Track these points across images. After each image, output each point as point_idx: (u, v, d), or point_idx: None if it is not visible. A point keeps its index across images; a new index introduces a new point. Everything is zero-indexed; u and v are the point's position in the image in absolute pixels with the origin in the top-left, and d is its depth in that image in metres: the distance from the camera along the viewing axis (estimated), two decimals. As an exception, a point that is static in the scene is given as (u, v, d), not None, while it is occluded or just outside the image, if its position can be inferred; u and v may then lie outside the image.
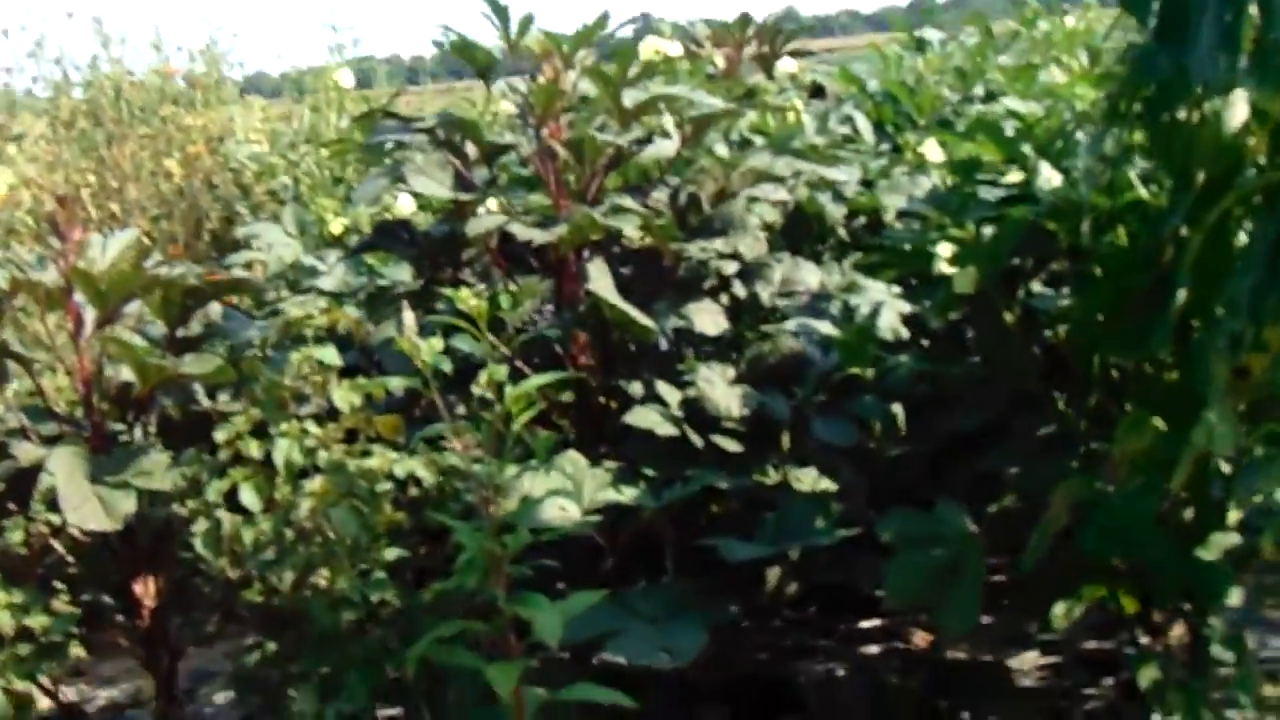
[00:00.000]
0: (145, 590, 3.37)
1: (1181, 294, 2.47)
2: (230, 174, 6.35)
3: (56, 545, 3.29)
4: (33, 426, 3.35)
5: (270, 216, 6.10)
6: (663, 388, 3.28)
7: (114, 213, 6.16)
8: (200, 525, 2.80)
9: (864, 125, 4.39)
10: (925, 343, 3.40)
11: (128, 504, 3.00)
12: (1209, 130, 2.38)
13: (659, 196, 3.57)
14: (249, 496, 2.70)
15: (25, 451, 3.07)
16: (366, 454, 2.84)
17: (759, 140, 4.23)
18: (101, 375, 3.28)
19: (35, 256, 3.40)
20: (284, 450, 2.71)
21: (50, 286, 3.21)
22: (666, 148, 3.58)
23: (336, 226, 4.90)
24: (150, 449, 3.14)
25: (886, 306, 3.41)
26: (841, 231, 3.97)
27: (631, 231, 3.22)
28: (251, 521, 2.73)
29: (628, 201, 3.31)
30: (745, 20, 5.52)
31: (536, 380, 2.66)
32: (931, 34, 4.95)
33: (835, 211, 3.94)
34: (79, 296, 3.24)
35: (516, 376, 2.86)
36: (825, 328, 3.21)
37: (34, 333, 3.67)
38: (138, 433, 3.33)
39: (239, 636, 3.29)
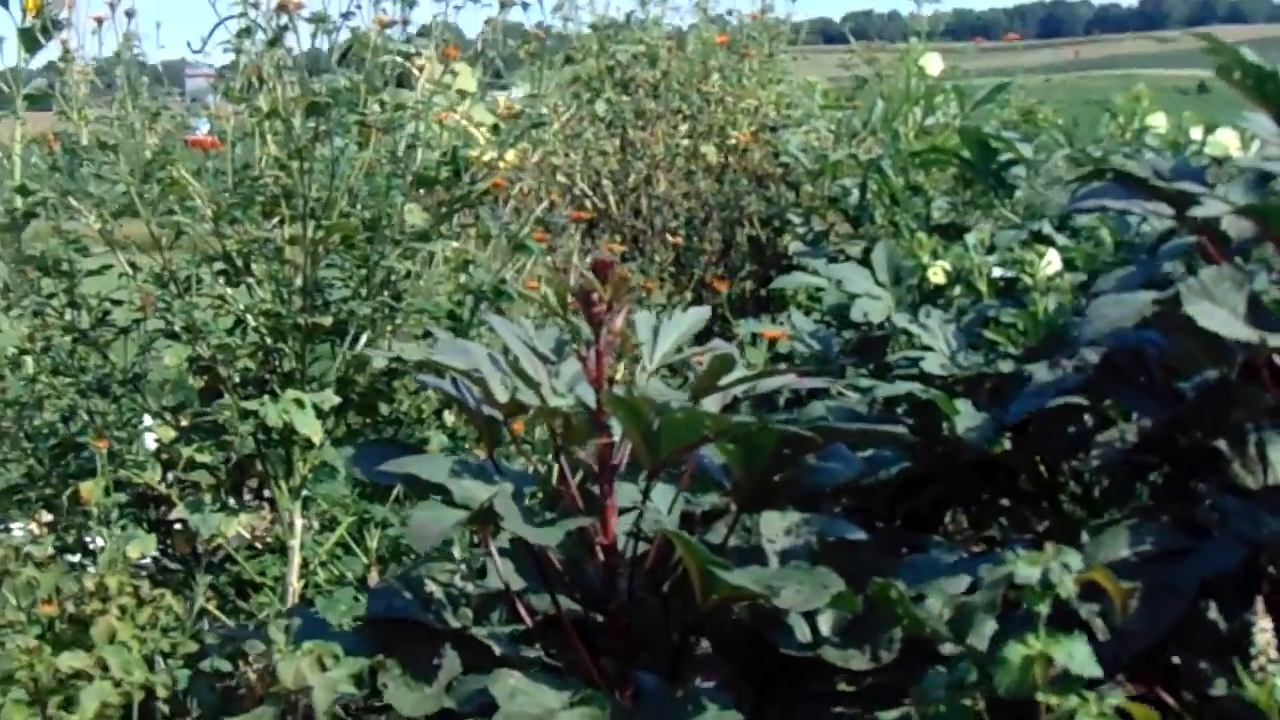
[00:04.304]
0: None
1: None
2: (780, 169, 5.08)
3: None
4: (510, 650, 2.09)
5: (823, 226, 4.83)
6: None
7: (639, 210, 5.02)
8: None
9: None
10: None
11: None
12: None
13: None
14: None
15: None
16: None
17: None
18: (637, 554, 2.06)
19: (537, 326, 2.22)
20: None
21: (572, 415, 2.00)
22: None
23: (938, 274, 3.53)
24: (713, 704, 1.88)
25: None
26: None
27: None
28: None
29: None
30: None
31: None
32: None
33: None
34: (614, 428, 2.03)
35: None
36: None
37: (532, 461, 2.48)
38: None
39: None
